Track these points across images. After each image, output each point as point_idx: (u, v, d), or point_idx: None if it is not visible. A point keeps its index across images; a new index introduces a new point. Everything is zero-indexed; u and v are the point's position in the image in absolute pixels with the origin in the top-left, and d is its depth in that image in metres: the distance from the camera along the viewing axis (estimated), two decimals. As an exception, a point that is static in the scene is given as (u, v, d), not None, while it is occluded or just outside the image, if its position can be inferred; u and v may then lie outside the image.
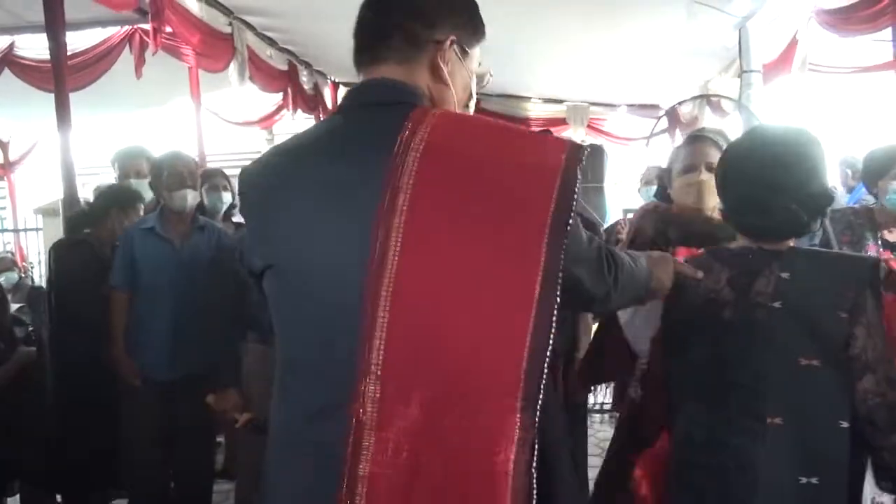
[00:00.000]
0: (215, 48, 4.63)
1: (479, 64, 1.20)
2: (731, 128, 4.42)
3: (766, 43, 4.83)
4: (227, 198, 3.42)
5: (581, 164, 0.99)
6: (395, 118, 1.02)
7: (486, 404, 0.95)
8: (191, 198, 2.87)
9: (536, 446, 0.94)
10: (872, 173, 2.83)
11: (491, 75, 1.23)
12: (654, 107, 7.45)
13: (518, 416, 0.94)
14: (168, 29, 4.01)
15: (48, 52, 3.34)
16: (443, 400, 0.95)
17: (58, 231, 5.75)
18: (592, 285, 1.07)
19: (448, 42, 1.11)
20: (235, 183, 3.71)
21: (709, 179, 1.95)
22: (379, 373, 0.95)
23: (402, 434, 0.95)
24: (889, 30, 3.32)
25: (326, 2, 4.77)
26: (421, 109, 1.05)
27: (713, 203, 1.95)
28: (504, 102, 7.66)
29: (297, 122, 7.30)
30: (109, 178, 3.64)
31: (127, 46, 4.69)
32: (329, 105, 7.29)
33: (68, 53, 3.61)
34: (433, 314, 0.96)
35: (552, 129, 7.14)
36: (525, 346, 0.93)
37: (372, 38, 1.12)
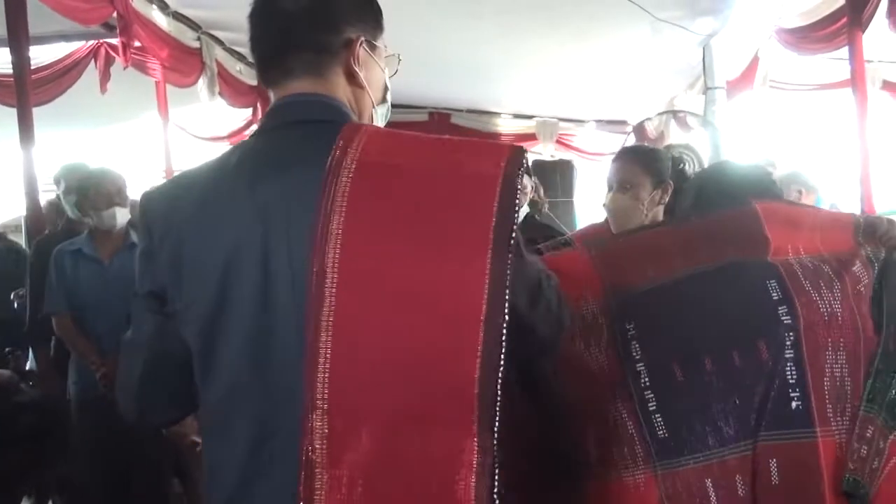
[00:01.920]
0: (184, 63, 4.60)
1: (385, 49, 1.13)
2: (698, 143, 4.51)
3: (730, 60, 4.96)
4: None
5: (521, 170, 0.94)
6: (322, 137, 0.96)
7: (441, 430, 0.90)
8: (120, 215, 2.84)
9: (497, 471, 0.90)
10: None
11: (399, 59, 1.15)
12: (622, 122, 7.57)
13: (475, 440, 0.89)
14: (136, 44, 3.97)
15: (10, 66, 3.28)
16: (396, 429, 0.91)
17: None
18: (529, 314, 0.99)
19: (358, 43, 1.04)
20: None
21: (617, 203, 1.89)
22: (325, 407, 0.90)
23: (355, 468, 0.90)
24: (846, 49, 3.42)
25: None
26: (351, 126, 0.99)
27: (632, 224, 1.86)
28: (474, 118, 7.71)
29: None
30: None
31: (92, 61, 4.64)
32: (299, 120, 7.27)
33: (31, 67, 3.56)
34: (378, 341, 0.91)
35: (522, 145, 7.21)
36: (476, 366, 0.89)
37: (280, 52, 1.04)
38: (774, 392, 1.22)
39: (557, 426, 1.29)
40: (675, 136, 5.97)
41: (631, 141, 6.66)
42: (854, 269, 1.31)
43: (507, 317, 0.88)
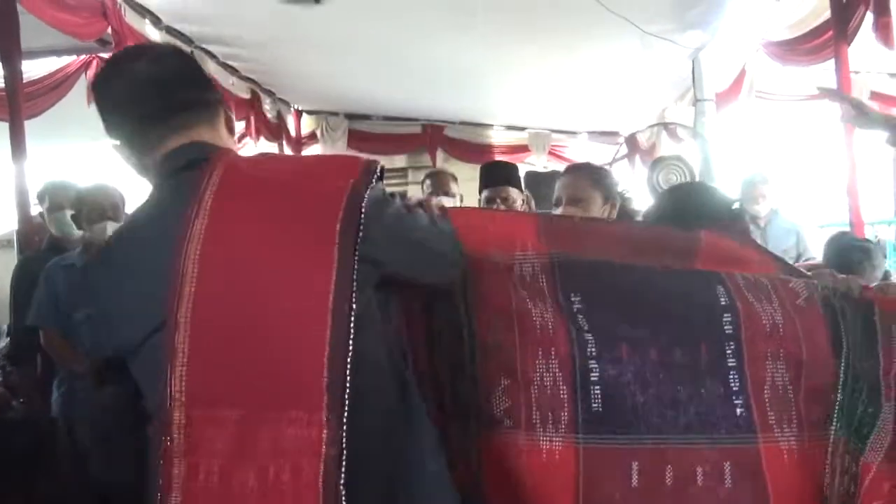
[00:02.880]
0: (176, 77, 4.61)
1: None
2: (688, 154, 4.54)
3: (718, 73, 5.00)
4: None
5: (370, 183, 1.06)
6: (201, 168, 1.09)
7: (292, 420, 0.96)
8: (110, 229, 2.83)
9: (344, 462, 0.94)
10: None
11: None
12: (614, 134, 7.61)
13: (324, 431, 0.94)
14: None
15: (1, 80, 3.29)
16: (250, 419, 0.97)
17: (11, 263, 5.59)
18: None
19: (220, 101, 1.22)
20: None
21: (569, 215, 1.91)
22: (183, 399, 0.98)
23: (211, 457, 0.97)
24: (832, 61, 3.46)
25: (288, 30, 4.81)
26: (217, 154, 1.12)
27: None
28: (467, 130, 7.75)
29: (260, 151, 7.28)
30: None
31: (83, 75, 4.64)
32: (292, 133, 7.28)
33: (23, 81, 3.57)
34: (232, 336, 0.99)
35: (515, 156, 7.24)
36: (324, 358, 0.96)
37: (168, 108, 1.15)
38: (720, 397, 1.23)
39: (463, 373, 1.28)
40: (666, 148, 6.02)
41: (622, 152, 6.72)
42: (791, 285, 1.33)
43: (353, 308, 0.97)
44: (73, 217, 2.93)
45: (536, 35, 4.73)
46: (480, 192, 2.92)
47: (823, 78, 4.34)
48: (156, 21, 4.36)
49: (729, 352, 1.25)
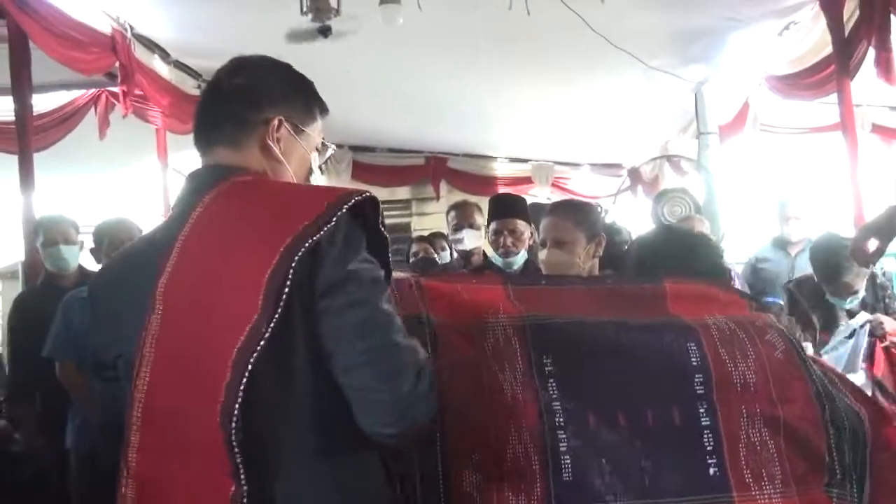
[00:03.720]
0: (184, 110, 4.66)
1: (323, 140, 1.28)
2: (692, 186, 4.56)
3: (721, 105, 5.04)
4: None
5: (340, 211, 0.99)
6: (194, 201, 1.08)
7: (202, 458, 0.97)
8: None
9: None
10: (822, 277, 2.82)
11: (334, 150, 1.27)
12: (617, 166, 7.65)
13: (232, 486, 0.94)
14: (137, 92, 4.04)
15: (10, 113, 3.32)
16: (174, 451, 1.00)
17: (16, 294, 5.59)
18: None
19: (276, 121, 1.15)
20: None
21: (553, 258, 1.92)
22: (140, 424, 1.03)
23: (154, 487, 1.01)
24: (834, 95, 3.49)
25: (295, 65, 4.86)
26: (222, 182, 1.09)
27: None
28: (470, 161, 7.79)
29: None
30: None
31: (93, 108, 4.70)
32: (297, 165, 7.33)
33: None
34: (176, 369, 1.01)
35: (518, 188, 7.27)
36: (217, 406, 0.94)
37: (205, 125, 1.17)
38: (693, 458, 1.22)
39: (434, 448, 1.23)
40: (669, 180, 6.05)
41: (626, 185, 6.75)
42: (768, 337, 1.33)
43: (251, 362, 0.94)
44: (92, 251, 2.95)
45: (539, 68, 4.79)
46: (488, 224, 2.93)
47: (827, 111, 4.38)
48: (164, 55, 4.42)
49: (702, 411, 1.24)
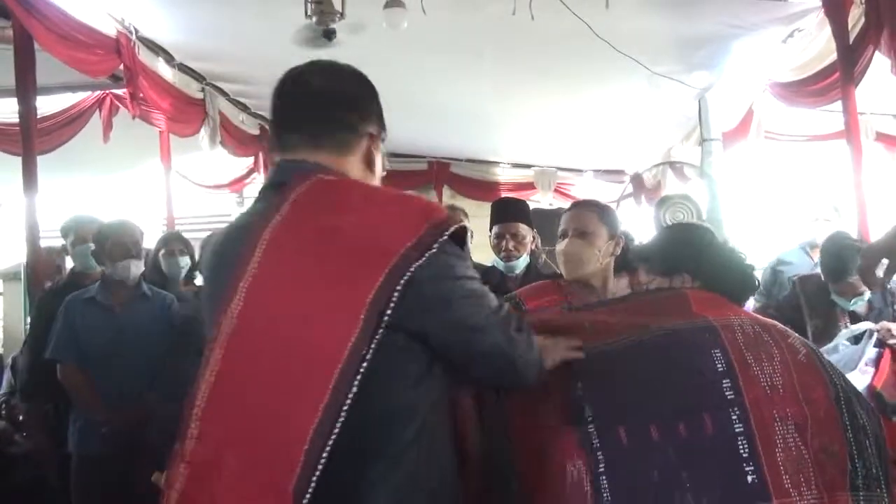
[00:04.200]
0: (187, 113, 4.67)
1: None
2: (694, 193, 4.55)
3: (725, 112, 5.04)
4: (184, 262, 3.38)
5: (430, 247, 1.00)
6: (283, 193, 1.09)
7: (264, 459, 0.97)
8: (134, 267, 2.85)
9: None
10: (828, 275, 2.82)
11: (385, 168, 1.28)
12: (620, 172, 7.65)
13: (292, 482, 0.94)
14: (140, 94, 4.04)
15: (14, 115, 3.33)
16: (232, 444, 1.00)
17: (19, 296, 5.61)
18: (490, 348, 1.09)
19: (378, 134, 1.20)
20: (195, 246, 3.70)
21: (574, 248, 1.92)
22: (200, 414, 1.04)
23: (205, 478, 1.00)
24: (838, 102, 3.48)
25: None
26: (304, 178, 1.09)
27: (586, 270, 1.91)
28: (474, 167, 7.79)
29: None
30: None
31: (97, 111, 4.70)
32: (300, 169, 7.33)
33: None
34: (252, 375, 1.01)
35: (521, 193, 7.27)
36: (311, 427, 0.94)
37: (305, 123, 1.15)
38: (729, 466, 1.20)
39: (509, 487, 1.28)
40: (671, 187, 6.04)
41: (629, 191, 6.74)
42: (790, 340, 1.34)
43: (355, 388, 0.95)
44: (93, 253, 2.95)
45: (543, 74, 4.79)
46: (491, 228, 2.93)
47: (831, 119, 4.37)
48: (169, 58, 4.43)
49: (734, 417, 1.23)
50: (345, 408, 0.95)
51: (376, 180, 1.21)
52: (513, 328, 1.13)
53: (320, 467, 0.95)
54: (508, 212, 2.92)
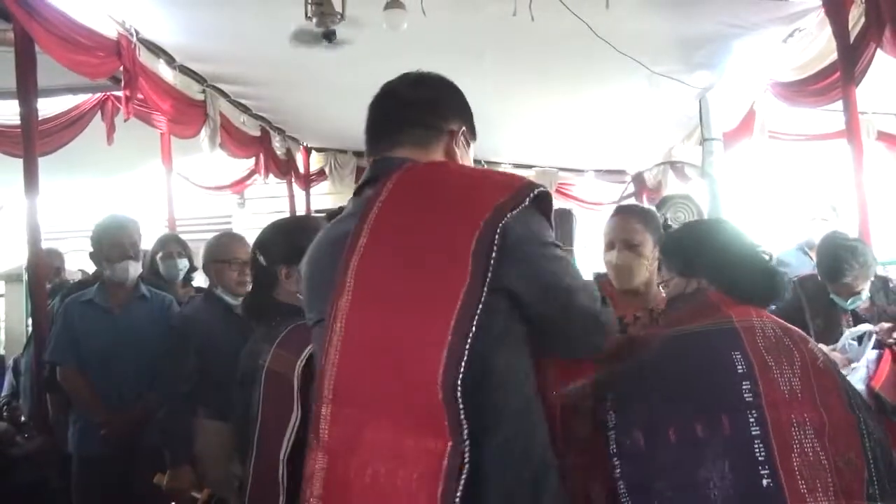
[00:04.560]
0: (187, 115, 4.67)
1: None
2: (695, 193, 4.54)
3: (726, 112, 5.03)
4: (182, 264, 3.38)
5: (516, 207, 1.07)
6: (375, 190, 1.17)
7: (416, 432, 1.01)
8: (132, 269, 2.84)
9: (463, 481, 0.97)
10: (824, 275, 2.83)
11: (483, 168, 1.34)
12: (621, 172, 7.64)
13: (447, 445, 0.98)
14: (140, 96, 4.04)
15: (15, 117, 3.33)
16: (382, 425, 1.04)
17: (20, 297, 5.61)
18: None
19: (460, 131, 1.28)
20: (192, 248, 3.69)
21: (624, 260, 1.93)
22: (331, 397, 1.08)
23: (347, 455, 1.04)
24: (839, 102, 3.47)
25: (298, 70, 4.88)
26: (396, 168, 1.18)
27: (636, 281, 1.92)
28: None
29: (270, 187, 7.33)
30: (75, 244, 3.56)
31: (98, 113, 4.71)
32: (301, 169, 7.34)
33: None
34: (374, 344, 1.06)
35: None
36: (438, 375, 0.99)
37: (392, 127, 1.27)
38: (745, 470, 1.20)
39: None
40: (672, 187, 6.03)
41: (630, 191, 6.74)
42: (810, 345, 1.34)
43: (472, 332, 1.00)
44: (91, 255, 2.94)
45: (543, 74, 4.78)
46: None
47: (832, 118, 4.37)
48: (170, 60, 4.43)
49: (752, 420, 1.23)
50: (466, 347, 0.99)
51: None
52: (595, 294, 1.19)
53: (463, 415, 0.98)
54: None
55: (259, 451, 1.60)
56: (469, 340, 1.00)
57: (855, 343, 2.51)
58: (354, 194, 1.27)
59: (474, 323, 1.00)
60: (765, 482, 1.19)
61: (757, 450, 1.21)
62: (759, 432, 1.22)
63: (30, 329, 3.61)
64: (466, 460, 0.98)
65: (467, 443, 0.98)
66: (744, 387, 1.25)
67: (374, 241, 1.10)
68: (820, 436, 1.23)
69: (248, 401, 1.69)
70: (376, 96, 1.33)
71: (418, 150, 1.24)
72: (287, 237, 1.85)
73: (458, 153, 1.27)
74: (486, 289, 1.02)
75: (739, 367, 1.26)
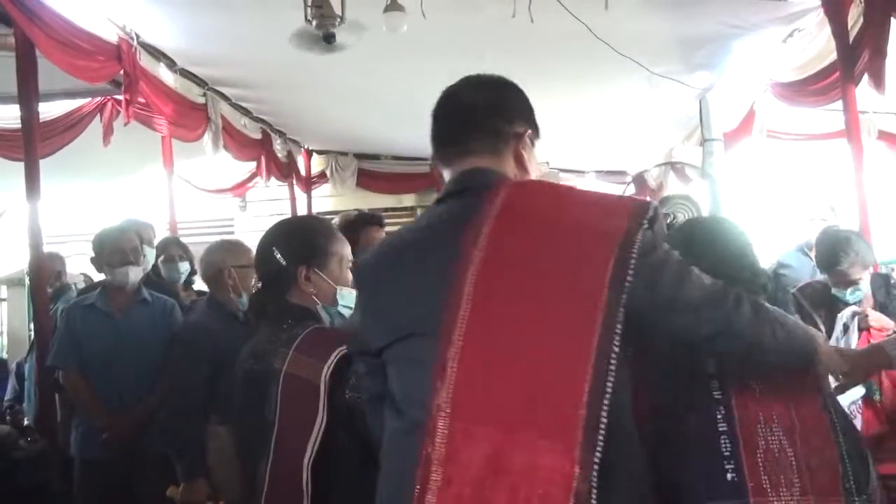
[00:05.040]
0: (189, 118, 4.68)
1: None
2: (696, 193, 4.54)
3: (726, 112, 5.03)
4: (183, 267, 3.38)
5: (642, 227, 1.08)
6: (481, 195, 1.17)
7: (546, 450, 0.99)
8: (133, 274, 2.84)
9: (594, 501, 0.97)
10: (822, 267, 2.86)
11: (548, 169, 1.34)
12: (622, 173, 7.64)
13: (576, 467, 0.97)
14: (141, 100, 4.05)
15: (16, 121, 3.33)
16: (506, 441, 1.01)
17: (22, 301, 5.63)
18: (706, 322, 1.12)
19: (526, 133, 1.29)
20: (193, 251, 3.69)
21: None
22: (448, 411, 1.04)
23: (466, 469, 1.02)
24: (839, 102, 3.47)
25: (299, 74, 4.89)
26: (502, 180, 1.20)
27: None
28: (475, 169, 7.79)
29: (271, 190, 7.34)
30: (76, 247, 3.58)
31: (98, 116, 4.72)
32: (302, 172, 7.35)
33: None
34: (499, 359, 1.04)
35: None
36: (583, 395, 0.99)
37: (461, 134, 1.26)
38: (711, 463, 1.24)
39: None
40: (673, 187, 6.04)
41: (630, 191, 6.74)
42: None
43: (615, 352, 1.01)
44: (92, 260, 2.95)
45: (543, 76, 4.77)
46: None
47: (832, 118, 4.37)
48: (171, 64, 4.44)
49: (719, 417, 1.27)
50: (611, 371, 1.00)
51: (531, 177, 1.29)
52: (744, 304, 1.15)
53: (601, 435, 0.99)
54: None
55: (276, 455, 1.56)
56: (613, 364, 1.00)
57: (842, 338, 2.53)
58: (438, 202, 1.26)
59: (615, 345, 1.01)
60: (728, 476, 1.23)
61: (723, 445, 1.25)
62: (725, 428, 1.26)
63: (32, 333, 3.61)
64: (594, 484, 0.98)
65: (596, 467, 0.98)
66: (712, 384, 1.29)
67: (493, 256, 1.08)
68: (789, 434, 1.25)
69: (252, 402, 1.66)
70: (439, 103, 1.32)
71: (492, 158, 1.25)
72: (306, 237, 1.78)
73: (526, 156, 1.28)
74: (621, 309, 1.03)
75: (710, 367, 1.30)
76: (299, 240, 1.77)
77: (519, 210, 1.13)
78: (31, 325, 4.05)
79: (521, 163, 1.27)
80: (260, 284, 1.78)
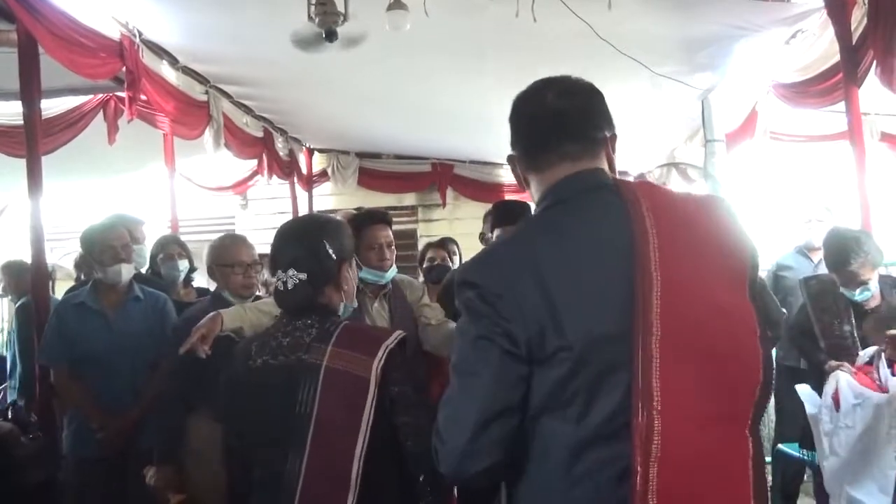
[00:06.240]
0: (191, 116, 4.68)
1: None
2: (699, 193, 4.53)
3: (729, 113, 5.03)
4: (182, 265, 3.37)
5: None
6: (611, 195, 1.24)
7: (729, 427, 1.10)
8: (125, 272, 2.82)
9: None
10: (831, 267, 2.87)
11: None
12: (624, 173, 7.64)
13: (749, 445, 1.11)
14: (143, 97, 4.05)
15: (18, 117, 3.33)
16: (712, 425, 1.08)
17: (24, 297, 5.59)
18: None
19: (611, 136, 1.34)
20: (194, 249, 3.66)
21: None
22: (659, 407, 1.05)
23: (681, 461, 1.05)
24: (842, 103, 3.47)
25: (301, 72, 4.89)
26: (624, 185, 1.27)
27: None
28: (477, 168, 7.79)
29: (272, 188, 7.34)
30: (77, 245, 3.56)
31: (101, 113, 4.72)
32: (303, 170, 7.35)
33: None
34: (691, 348, 1.09)
35: (524, 194, 7.24)
36: (758, 379, 1.11)
37: (555, 139, 1.30)
38: None
39: None
40: (676, 187, 6.03)
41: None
42: None
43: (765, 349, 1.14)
44: (80, 258, 2.94)
45: (546, 75, 4.78)
46: (492, 231, 2.92)
47: (835, 120, 4.36)
48: (173, 61, 4.44)
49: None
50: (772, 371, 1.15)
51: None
52: None
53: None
54: (510, 214, 2.91)
55: (313, 450, 1.55)
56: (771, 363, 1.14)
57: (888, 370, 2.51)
58: (557, 204, 1.26)
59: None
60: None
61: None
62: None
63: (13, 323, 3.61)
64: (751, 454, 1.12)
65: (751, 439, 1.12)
66: None
67: (667, 246, 1.14)
68: None
69: (258, 398, 1.64)
70: (526, 109, 1.36)
71: (591, 161, 1.30)
72: (348, 235, 1.81)
73: (613, 158, 1.34)
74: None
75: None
76: (345, 236, 1.79)
77: (665, 206, 1.20)
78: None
79: (612, 166, 1.33)
80: (304, 276, 1.67)
